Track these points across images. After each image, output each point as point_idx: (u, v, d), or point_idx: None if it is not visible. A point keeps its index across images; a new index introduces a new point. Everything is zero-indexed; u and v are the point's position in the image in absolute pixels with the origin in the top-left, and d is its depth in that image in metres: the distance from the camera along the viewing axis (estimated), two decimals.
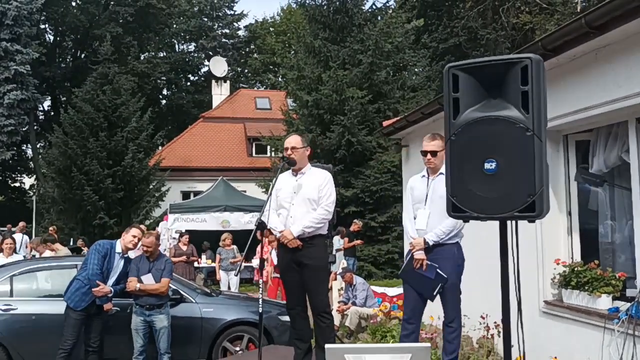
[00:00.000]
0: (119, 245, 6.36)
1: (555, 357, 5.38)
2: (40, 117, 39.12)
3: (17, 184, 41.33)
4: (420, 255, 4.64)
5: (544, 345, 5.73)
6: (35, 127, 34.98)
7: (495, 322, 6.28)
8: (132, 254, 6.64)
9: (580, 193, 5.92)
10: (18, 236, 16.74)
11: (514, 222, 2.87)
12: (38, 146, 35.68)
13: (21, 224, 17.85)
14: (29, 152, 37.60)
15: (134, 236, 6.33)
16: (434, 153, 4.67)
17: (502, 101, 2.68)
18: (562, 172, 5.89)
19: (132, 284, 6.37)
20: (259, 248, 10.96)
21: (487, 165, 2.70)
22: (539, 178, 2.60)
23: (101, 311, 6.25)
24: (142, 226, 6.93)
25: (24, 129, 30.14)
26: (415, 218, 4.78)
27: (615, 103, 4.86)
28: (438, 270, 4.57)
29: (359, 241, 14.90)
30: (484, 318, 6.54)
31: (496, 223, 3.13)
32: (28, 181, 41.25)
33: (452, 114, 2.80)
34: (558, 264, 5.77)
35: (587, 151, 5.76)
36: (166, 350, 6.42)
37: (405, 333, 4.83)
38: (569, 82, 5.43)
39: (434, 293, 4.63)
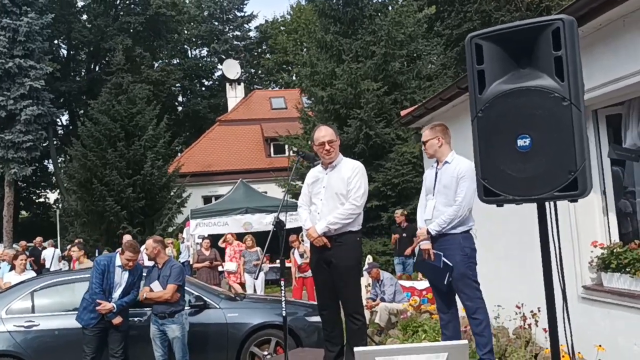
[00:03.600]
0: (119, 259, 6.26)
1: (600, 345, 5.09)
2: (60, 131, 39.50)
3: (42, 200, 41.83)
4: (425, 245, 4.57)
5: (585, 332, 5.43)
6: (54, 142, 35.27)
7: (531, 312, 5.99)
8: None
9: (614, 170, 5.61)
10: (50, 251, 16.88)
11: (552, 203, 2.61)
12: (59, 160, 35.99)
13: (38, 239, 18.03)
14: (51, 167, 37.98)
15: (128, 259, 6.20)
16: (424, 143, 4.74)
17: (532, 70, 2.42)
18: (594, 149, 5.58)
19: (142, 293, 6.31)
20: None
21: (520, 142, 2.44)
22: (579, 152, 2.33)
23: (121, 329, 6.21)
24: (156, 237, 6.79)
25: (43, 144, 30.33)
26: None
27: None
28: (443, 258, 4.44)
29: (395, 235, 12.94)
30: (519, 308, 6.26)
31: (526, 208, 2.84)
32: (52, 196, 41.74)
33: (477, 88, 2.54)
34: (595, 246, 5.48)
35: (619, 126, 5.45)
36: None
37: (442, 324, 4.74)
38: (596, 54, 5.12)
39: (445, 282, 4.49)
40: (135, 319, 6.64)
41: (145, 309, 6.58)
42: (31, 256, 15.14)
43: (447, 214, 4.40)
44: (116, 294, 6.15)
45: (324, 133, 4.64)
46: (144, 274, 6.53)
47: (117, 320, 6.11)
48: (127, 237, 12.44)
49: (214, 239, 13.74)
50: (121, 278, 6.21)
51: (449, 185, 4.47)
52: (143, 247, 11.82)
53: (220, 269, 12.68)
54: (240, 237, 13.67)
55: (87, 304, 6.12)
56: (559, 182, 2.37)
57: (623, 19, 4.74)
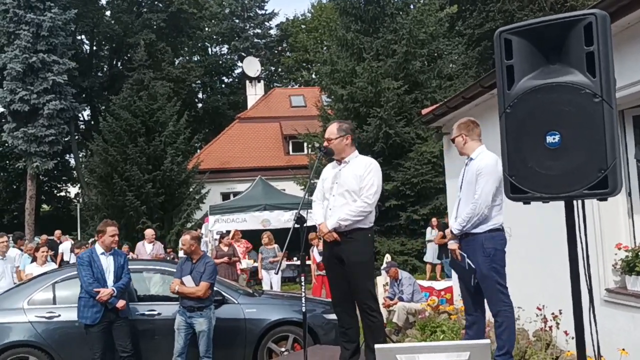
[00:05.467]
0: (99, 247, 6.34)
1: (623, 349, 5.00)
2: (81, 126, 39.94)
3: (63, 193, 42.34)
4: (451, 245, 4.53)
5: (609, 336, 5.34)
6: (76, 137, 35.67)
7: (553, 314, 5.91)
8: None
9: None
10: (67, 244, 17.06)
11: (580, 202, 2.56)
12: (80, 155, 36.38)
13: (58, 232, 18.26)
14: (72, 161, 38.41)
15: (112, 235, 6.31)
16: (452, 141, 4.70)
17: (563, 66, 2.37)
18: (620, 151, 5.47)
19: (173, 285, 6.38)
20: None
21: (549, 139, 2.39)
22: (610, 150, 2.28)
23: (123, 316, 6.25)
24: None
25: (65, 139, 30.70)
26: None
27: None
28: (467, 260, 4.37)
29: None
30: (540, 309, 6.18)
31: (548, 208, 2.78)
32: (73, 190, 42.24)
33: (506, 83, 2.50)
34: (619, 248, 5.38)
35: None
36: (205, 354, 6.29)
37: (467, 324, 4.69)
38: (624, 53, 5.03)
39: (472, 283, 4.43)
40: (146, 312, 6.74)
41: (154, 302, 6.76)
42: (50, 249, 15.32)
43: (466, 213, 4.33)
44: (109, 280, 6.18)
45: (328, 129, 4.74)
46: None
47: (121, 303, 6.14)
48: (149, 231, 12.54)
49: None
50: (108, 263, 6.25)
51: (471, 182, 4.39)
52: (151, 247, 12.03)
53: (239, 265, 12.72)
54: (258, 233, 13.72)
55: (85, 301, 6.09)
56: (589, 180, 2.33)
57: None
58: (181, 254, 11.88)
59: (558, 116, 2.38)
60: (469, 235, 4.37)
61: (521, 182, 2.50)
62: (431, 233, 15.14)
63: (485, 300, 4.50)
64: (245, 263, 13.71)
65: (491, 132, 5.33)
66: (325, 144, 4.65)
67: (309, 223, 4.58)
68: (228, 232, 13.85)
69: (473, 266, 4.33)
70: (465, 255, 4.38)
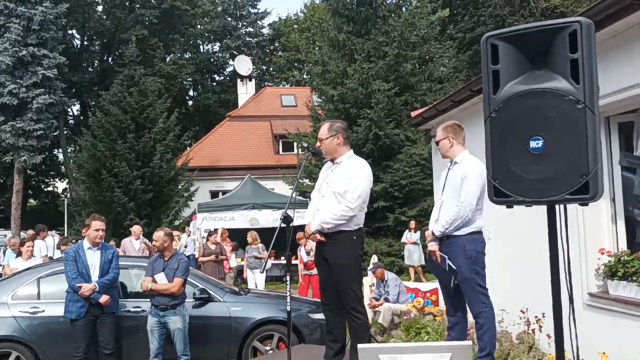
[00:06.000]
0: (86, 242, 6.33)
1: (604, 353, 5.06)
2: (70, 121, 39.69)
3: (50, 188, 42.07)
4: (432, 247, 4.57)
5: (590, 340, 5.37)
6: (65, 132, 35.44)
7: (536, 317, 5.97)
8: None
9: (624, 178, 5.58)
10: (50, 239, 16.87)
11: (562, 206, 2.60)
12: (69, 150, 36.15)
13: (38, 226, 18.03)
14: (60, 156, 38.18)
15: (97, 230, 6.28)
16: (437, 143, 4.74)
17: (548, 72, 2.41)
18: (605, 156, 5.54)
19: (145, 283, 6.28)
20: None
21: (532, 144, 2.43)
22: (592, 156, 2.33)
23: (109, 313, 6.22)
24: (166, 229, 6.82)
25: (53, 134, 30.49)
26: None
27: None
28: (448, 261, 4.42)
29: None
30: (523, 312, 6.24)
31: (534, 211, 2.83)
32: (60, 185, 41.98)
33: (491, 88, 2.53)
34: (602, 253, 5.44)
35: (631, 133, 5.42)
36: (183, 352, 6.22)
37: (449, 325, 4.75)
38: (611, 60, 5.09)
39: (452, 285, 4.49)
40: (131, 309, 6.70)
41: (139, 299, 6.68)
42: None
43: (449, 215, 4.39)
44: (94, 275, 6.14)
45: (320, 129, 4.75)
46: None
47: (104, 298, 6.09)
48: (136, 228, 12.49)
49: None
50: (93, 258, 6.22)
51: (455, 186, 4.45)
52: (139, 242, 12.01)
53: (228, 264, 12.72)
54: (246, 232, 13.73)
55: (70, 296, 6.10)
56: (571, 185, 2.37)
57: (639, 26, 4.71)
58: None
59: (542, 121, 2.42)
60: (450, 237, 4.43)
61: (504, 185, 2.54)
62: (406, 236, 15.31)
63: (466, 302, 4.55)
64: (235, 262, 13.72)
65: (477, 135, 5.39)
66: (318, 144, 4.66)
67: (300, 223, 4.60)
68: (216, 230, 13.87)
69: (454, 267, 4.38)
70: (445, 257, 4.43)
